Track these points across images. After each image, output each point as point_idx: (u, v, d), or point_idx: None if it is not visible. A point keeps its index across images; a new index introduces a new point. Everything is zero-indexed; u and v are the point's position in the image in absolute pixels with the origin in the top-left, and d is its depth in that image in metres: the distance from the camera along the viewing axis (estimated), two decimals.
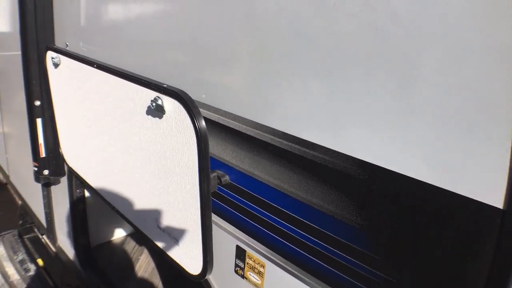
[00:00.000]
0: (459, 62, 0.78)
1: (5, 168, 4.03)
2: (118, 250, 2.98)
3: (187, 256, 1.47)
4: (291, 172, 1.13)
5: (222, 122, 1.31)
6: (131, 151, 1.61)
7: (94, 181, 2.07)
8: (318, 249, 1.10)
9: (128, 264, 2.85)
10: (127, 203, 1.78)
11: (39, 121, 2.38)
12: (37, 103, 2.35)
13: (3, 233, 4.02)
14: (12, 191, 4.14)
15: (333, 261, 1.07)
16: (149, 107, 1.39)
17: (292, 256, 1.18)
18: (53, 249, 3.21)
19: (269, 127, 1.16)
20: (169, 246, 1.56)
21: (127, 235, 3.13)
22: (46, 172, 2.50)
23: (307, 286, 1.16)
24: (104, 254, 2.90)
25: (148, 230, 1.68)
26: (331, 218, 1.05)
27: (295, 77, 1.08)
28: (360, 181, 0.97)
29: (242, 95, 1.25)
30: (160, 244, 1.62)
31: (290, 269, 1.20)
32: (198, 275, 1.45)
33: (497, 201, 0.77)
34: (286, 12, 1.08)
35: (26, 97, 2.40)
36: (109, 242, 3.03)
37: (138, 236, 3.13)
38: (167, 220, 1.51)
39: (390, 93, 0.89)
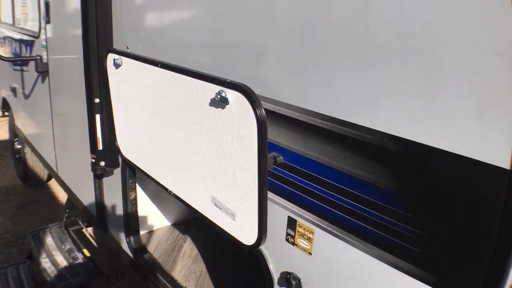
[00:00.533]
0: (473, 60, 1.01)
1: (53, 164, 4.32)
2: (164, 238, 3.24)
3: (242, 228, 1.71)
4: (337, 149, 1.36)
5: (276, 111, 1.55)
6: (191, 138, 1.86)
7: (151, 169, 2.32)
8: (360, 213, 1.33)
9: (173, 250, 3.11)
10: (185, 186, 2.03)
11: (97, 117, 2.65)
12: (97, 100, 2.63)
13: (50, 225, 4.31)
14: (59, 185, 4.41)
15: (373, 221, 1.30)
16: (213, 99, 1.63)
17: (337, 220, 1.41)
18: (103, 237, 3.48)
19: (319, 113, 1.40)
20: (225, 222, 1.80)
21: (172, 225, 3.39)
22: (102, 163, 2.77)
23: (349, 245, 1.39)
24: (151, 241, 3.16)
25: (204, 209, 1.92)
26: (372, 185, 1.28)
27: (340, 72, 1.31)
28: (394, 153, 1.20)
29: (294, 87, 1.49)
30: (215, 221, 1.86)
31: (335, 232, 1.43)
32: (253, 245, 1.68)
33: (506, 163, 0.99)
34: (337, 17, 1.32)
35: (87, 96, 2.68)
36: (156, 231, 3.29)
37: (182, 225, 3.39)
38: (224, 198, 1.75)
39: (418, 83, 1.12)
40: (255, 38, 1.64)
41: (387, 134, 1.21)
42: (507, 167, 0.99)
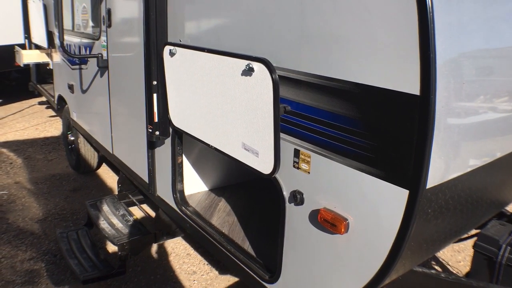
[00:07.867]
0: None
1: (108, 146, 5.08)
2: (203, 198, 3.99)
3: (263, 162, 2.43)
4: (321, 96, 2.10)
5: (285, 75, 2.30)
6: (227, 101, 2.60)
7: (196, 132, 3.06)
8: (337, 136, 2.06)
9: (210, 207, 3.85)
10: (222, 139, 2.77)
11: (154, 96, 3.41)
12: (154, 82, 3.39)
13: (105, 197, 5.10)
14: (114, 163, 5.16)
15: (346, 141, 2.03)
16: (243, 70, 2.37)
17: (324, 144, 2.15)
18: (153, 199, 4.23)
19: (309, 73, 2.16)
20: (251, 159, 2.53)
21: (209, 190, 4.15)
22: (157, 132, 3.52)
23: (332, 161, 2.11)
24: (192, 200, 3.90)
25: (237, 154, 2.65)
26: (343, 116, 2.01)
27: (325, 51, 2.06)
28: (354, 94, 1.94)
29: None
30: (245, 161, 2.59)
31: (323, 153, 2.16)
32: (270, 173, 2.41)
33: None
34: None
35: (146, 79, 3.47)
36: (195, 194, 4.04)
37: (217, 190, 4.15)
38: (250, 142, 2.49)
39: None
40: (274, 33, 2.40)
41: (348, 81, 1.97)
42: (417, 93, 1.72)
